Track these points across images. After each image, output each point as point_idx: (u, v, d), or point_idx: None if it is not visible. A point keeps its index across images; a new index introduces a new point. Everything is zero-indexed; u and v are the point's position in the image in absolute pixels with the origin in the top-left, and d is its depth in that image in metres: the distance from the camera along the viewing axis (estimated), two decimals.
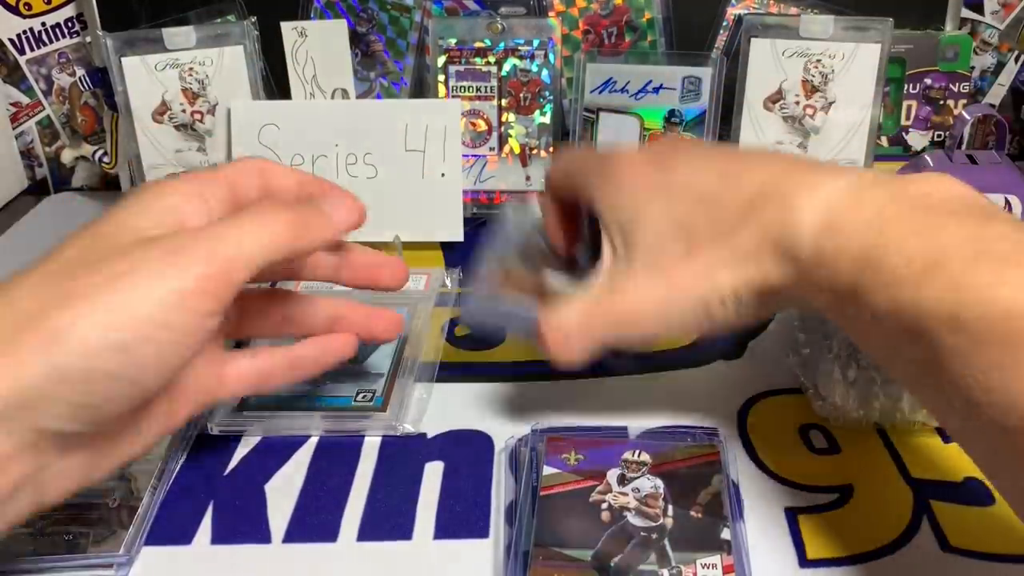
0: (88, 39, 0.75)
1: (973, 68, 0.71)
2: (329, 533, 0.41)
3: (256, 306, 0.42)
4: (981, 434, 0.29)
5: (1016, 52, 0.73)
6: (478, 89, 0.70)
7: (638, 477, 0.41)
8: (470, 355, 0.53)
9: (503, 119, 0.70)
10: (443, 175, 0.66)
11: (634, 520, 0.39)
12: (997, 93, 0.75)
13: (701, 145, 0.44)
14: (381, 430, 0.46)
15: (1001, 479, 0.30)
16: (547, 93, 0.70)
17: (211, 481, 0.44)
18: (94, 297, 0.30)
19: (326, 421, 0.47)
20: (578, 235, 0.46)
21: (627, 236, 0.39)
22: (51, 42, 0.76)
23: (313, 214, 0.37)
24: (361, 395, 0.48)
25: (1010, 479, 0.29)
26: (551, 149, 0.70)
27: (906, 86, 0.69)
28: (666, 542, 0.38)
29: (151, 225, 0.33)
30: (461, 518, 0.41)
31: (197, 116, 0.68)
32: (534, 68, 0.69)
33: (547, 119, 0.70)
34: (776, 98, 0.66)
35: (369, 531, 0.41)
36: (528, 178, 0.70)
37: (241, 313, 0.41)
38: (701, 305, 0.37)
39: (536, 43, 0.69)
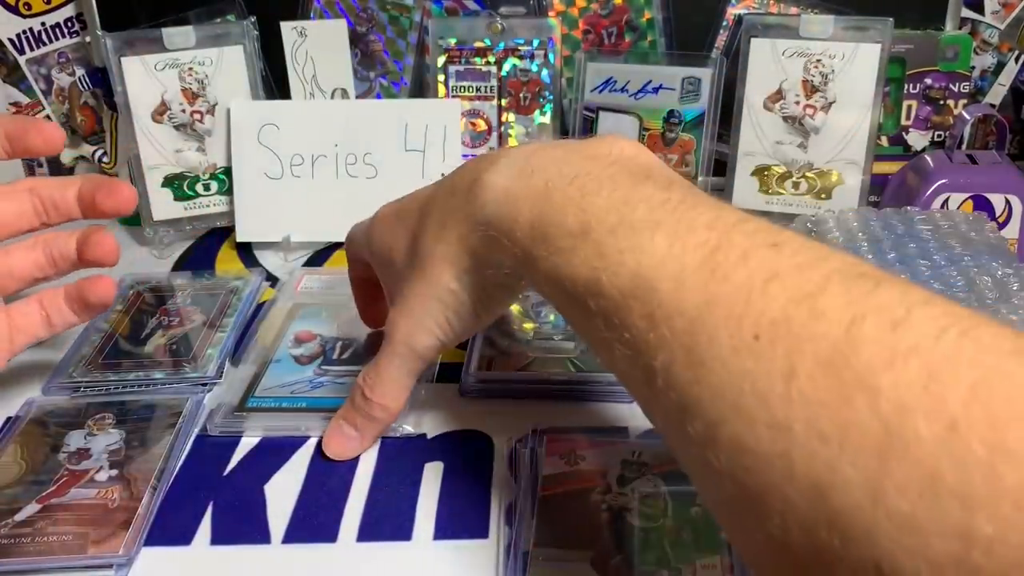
0: (88, 39, 0.75)
1: (973, 68, 0.71)
2: (329, 534, 0.41)
3: (19, 251, 0.47)
4: (627, 382, 0.31)
5: (1016, 52, 0.73)
6: (478, 89, 0.70)
7: (638, 478, 0.41)
8: None
9: (503, 119, 0.70)
10: (443, 175, 0.66)
11: (634, 521, 0.39)
12: (997, 93, 0.75)
13: None
14: None
15: (646, 405, 0.31)
16: (547, 93, 0.70)
17: (210, 482, 0.44)
18: None
19: (326, 422, 0.47)
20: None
21: (390, 267, 0.43)
22: (51, 42, 0.76)
23: None
24: None
25: (647, 404, 0.31)
26: None
27: (906, 86, 0.69)
28: (666, 543, 0.38)
29: None
30: (461, 519, 0.41)
31: (197, 116, 0.68)
32: (534, 68, 0.69)
33: (547, 119, 0.70)
34: (776, 98, 0.66)
35: (369, 532, 0.41)
36: None
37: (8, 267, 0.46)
38: (439, 304, 0.39)
39: (536, 43, 0.69)
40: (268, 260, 0.66)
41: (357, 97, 0.72)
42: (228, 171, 0.69)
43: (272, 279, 0.63)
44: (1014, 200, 0.60)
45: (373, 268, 0.46)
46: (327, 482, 0.44)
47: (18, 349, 0.46)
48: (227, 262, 0.66)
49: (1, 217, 0.45)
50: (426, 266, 0.39)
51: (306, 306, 0.57)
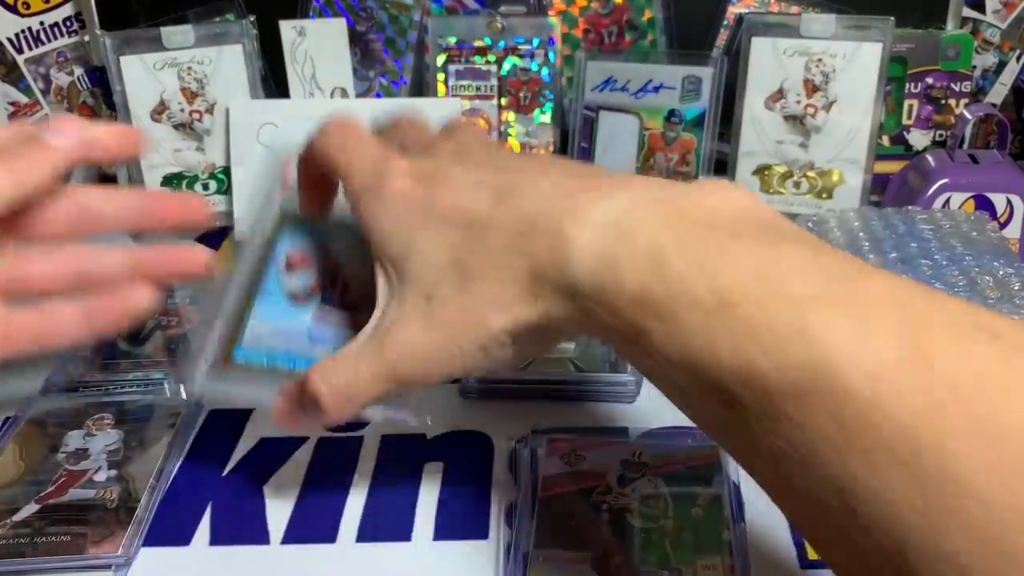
0: (87, 38, 0.75)
1: (975, 67, 0.71)
2: (328, 534, 0.40)
3: (40, 260, 0.38)
4: (803, 505, 0.25)
5: (1018, 51, 0.73)
6: (478, 88, 0.70)
7: (638, 478, 0.41)
8: None
9: (503, 118, 0.70)
10: None
11: (634, 521, 0.39)
12: (999, 92, 0.75)
13: (482, 149, 0.36)
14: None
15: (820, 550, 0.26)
16: (547, 92, 0.69)
17: (209, 482, 0.44)
18: None
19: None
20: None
21: (399, 269, 0.34)
22: (49, 41, 0.76)
23: (27, 150, 0.34)
24: None
25: (832, 544, 0.25)
26: (551, 149, 0.70)
27: (907, 85, 0.69)
28: (667, 543, 0.38)
29: None
30: (461, 519, 0.41)
31: (196, 115, 0.67)
32: (534, 67, 0.69)
33: (547, 118, 0.70)
34: (777, 97, 0.66)
35: (368, 532, 0.41)
36: None
37: (25, 273, 0.38)
38: (479, 348, 0.33)
39: (536, 42, 0.69)
40: None
41: (357, 96, 0.72)
42: (227, 170, 0.68)
43: None
44: (1015, 200, 0.60)
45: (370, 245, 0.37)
46: (326, 482, 0.43)
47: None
48: (226, 262, 0.66)
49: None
50: (474, 307, 0.32)
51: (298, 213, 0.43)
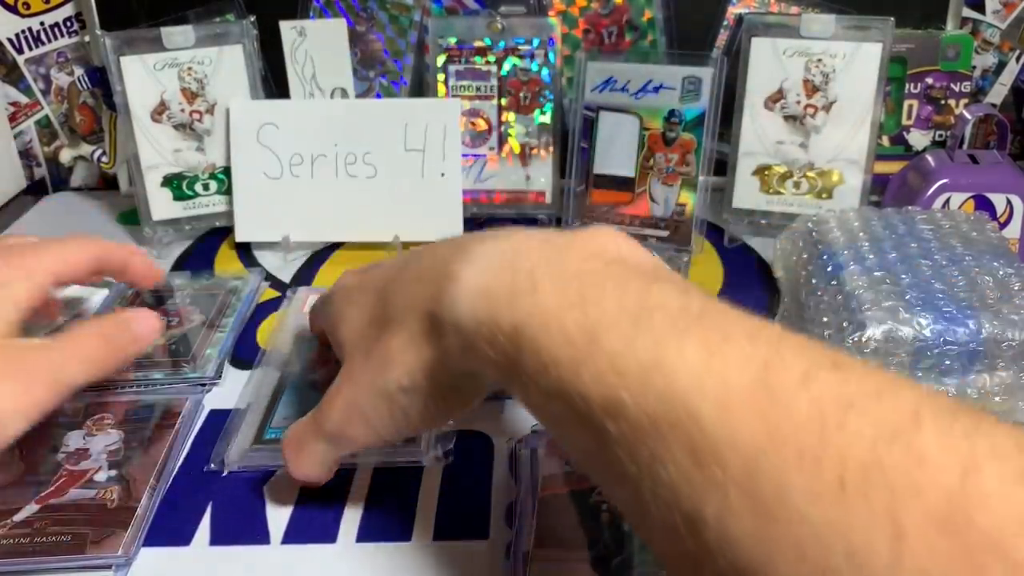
0: (87, 38, 0.75)
1: (974, 67, 0.71)
2: (328, 534, 0.40)
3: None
4: (658, 532, 0.25)
5: (1017, 51, 0.73)
6: (478, 88, 0.70)
7: None
8: None
9: (503, 118, 0.70)
10: (443, 175, 0.66)
11: None
12: (998, 93, 0.75)
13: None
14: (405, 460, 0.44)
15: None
16: (547, 92, 0.69)
17: (210, 482, 0.44)
18: None
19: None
20: None
21: (340, 343, 0.39)
22: (50, 41, 0.76)
23: (122, 336, 0.44)
24: None
25: (685, 563, 0.25)
26: (551, 149, 0.70)
27: (907, 85, 0.69)
28: None
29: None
30: (461, 519, 0.41)
31: (196, 116, 0.68)
32: (534, 67, 0.69)
33: (547, 118, 0.70)
34: (777, 98, 0.66)
35: (368, 532, 0.41)
36: (528, 177, 0.70)
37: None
38: (385, 402, 0.35)
39: (536, 42, 0.69)
40: (267, 260, 0.66)
41: (357, 97, 0.72)
42: (227, 171, 0.68)
43: (271, 279, 0.63)
44: (1015, 200, 0.60)
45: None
46: (327, 482, 0.43)
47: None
48: (226, 262, 0.66)
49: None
50: (377, 358, 0.35)
51: None
